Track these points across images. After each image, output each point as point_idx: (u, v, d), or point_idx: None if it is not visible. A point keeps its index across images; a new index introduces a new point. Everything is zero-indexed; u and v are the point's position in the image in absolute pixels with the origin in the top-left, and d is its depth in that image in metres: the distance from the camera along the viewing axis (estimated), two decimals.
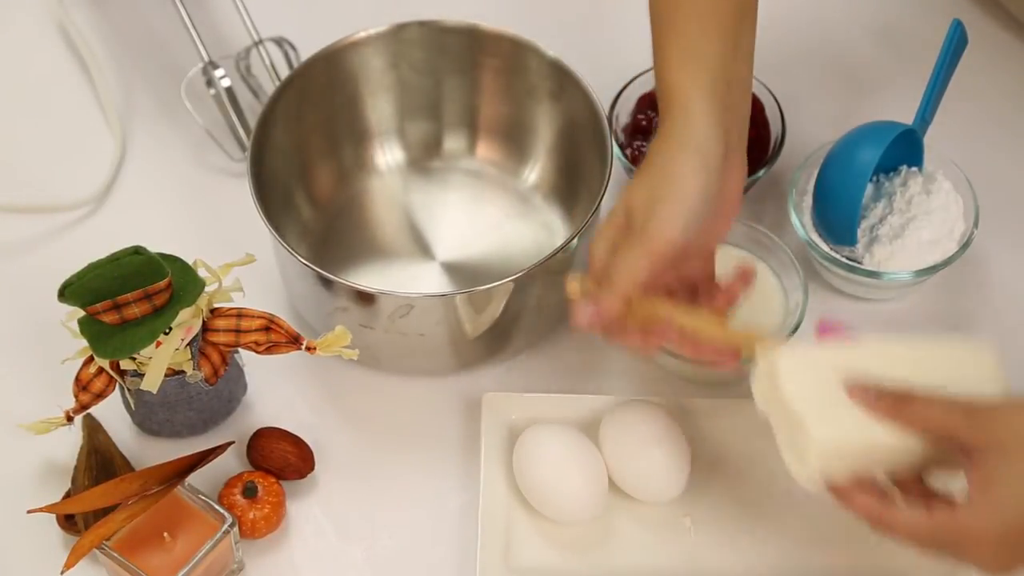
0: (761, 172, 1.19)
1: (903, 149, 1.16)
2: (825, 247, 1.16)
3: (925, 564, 1.06)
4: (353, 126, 1.24)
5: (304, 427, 1.12)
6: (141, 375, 1.05)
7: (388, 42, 1.20)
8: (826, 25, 1.35)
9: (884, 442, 0.93)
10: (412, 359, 1.15)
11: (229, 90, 1.25)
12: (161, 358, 1.03)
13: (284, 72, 1.25)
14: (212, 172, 1.27)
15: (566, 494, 1.06)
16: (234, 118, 1.25)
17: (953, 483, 0.95)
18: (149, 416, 1.11)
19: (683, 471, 1.08)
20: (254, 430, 1.11)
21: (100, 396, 1.07)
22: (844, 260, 1.15)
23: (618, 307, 0.97)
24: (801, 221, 1.16)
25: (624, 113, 1.23)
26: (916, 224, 1.16)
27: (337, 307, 1.11)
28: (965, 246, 1.15)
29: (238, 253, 1.06)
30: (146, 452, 1.12)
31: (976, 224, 1.15)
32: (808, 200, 1.17)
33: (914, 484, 0.95)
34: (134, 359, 1.04)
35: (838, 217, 1.15)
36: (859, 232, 1.15)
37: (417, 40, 1.21)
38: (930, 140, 1.17)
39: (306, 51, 1.22)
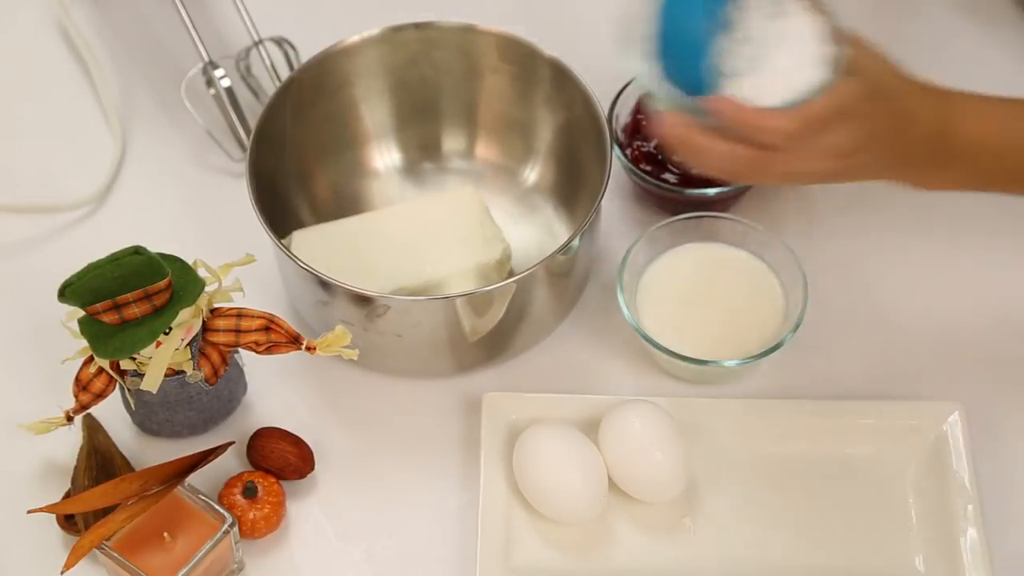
0: None
1: None
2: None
3: (926, 564, 1.06)
4: (352, 126, 1.24)
5: (304, 427, 1.12)
6: (141, 375, 1.05)
7: (387, 43, 1.20)
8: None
9: None
10: (412, 360, 1.15)
11: (229, 90, 1.25)
12: (161, 358, 1.03)
13: (284, 72, 1.26)
14: (212, 172, 1.27)
15: (566, 494, 1.06)
16: (234, 118, 1.25)
17: None
18: (149, 416, 1.11)
19: (683, 471, 1.08)
20: (254, 430, 1.11)
21: (100, 396, 1.07)
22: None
23: None
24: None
25: (624, 113, 1.23)
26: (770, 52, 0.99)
27: (336, 309, 1.11)
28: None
29: (238, 253, 1.06)
30: (146, 452, 1.12)
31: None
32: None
33: None
34: (134, 359, 1.04)
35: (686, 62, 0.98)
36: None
37: (416, 41, 1.21)
38: None
39: (306, 51, 1.22)
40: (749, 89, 0.96)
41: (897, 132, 0.98)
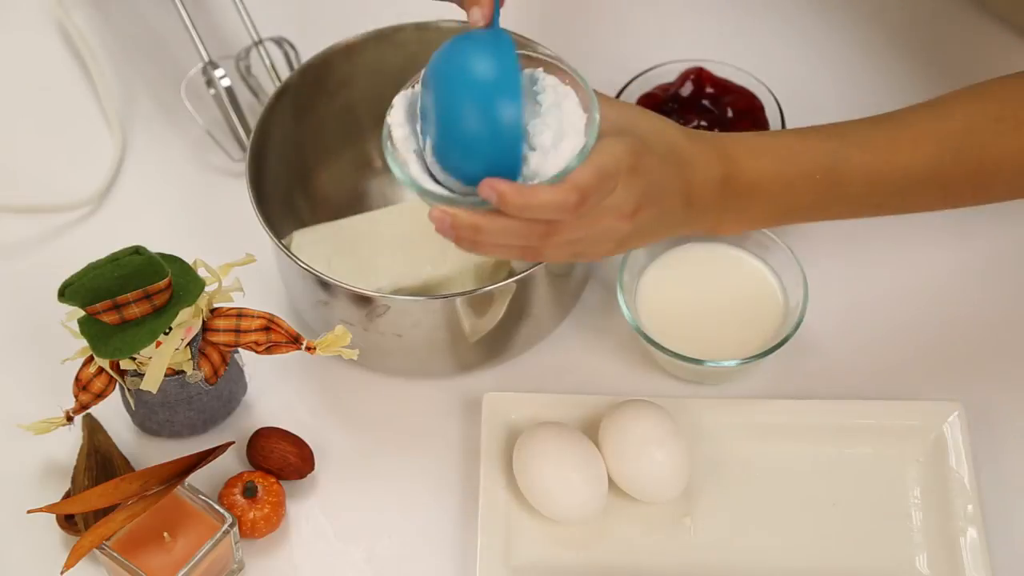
0: None
1: None
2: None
3: (926, 564, 1.06)
4: (352, 126, 1.24)
5: (304, 427, 1.12)
6: (141, 375, 1.05)
7: (387, 43, 1.20)
8: (828, 24, 1.35)
9: None
10: (412, 360, 1.15)
11: (229, 90, 1.25)
12: (161, 358, 1.03)
13: (284, 72, 1.26)
14: (212, 172, 1.27)
15: (566, 494, 1.06)
16: (234, 118, 1.25)
17: None
18: (149, 416, 1.11)
19: (683, 471, 1.07)
20: (254, 430, 1.11)
21: (100, 396, 1.07)
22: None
23: None
24: None
25: None
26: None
27: (336, 309, 1.11)
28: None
29: (238, 253, 1.06)
30: (146, 452, 1.12)
31: None
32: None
33: None
34: (134, 359, 1.04)
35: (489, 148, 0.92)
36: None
37: (416, 41, 1.20)
38: None
39: (306, 51, 1.22)
40: (525, 170, 0.92)
41: (679, 181, 0.97)
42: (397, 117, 0.95)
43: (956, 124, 1.00)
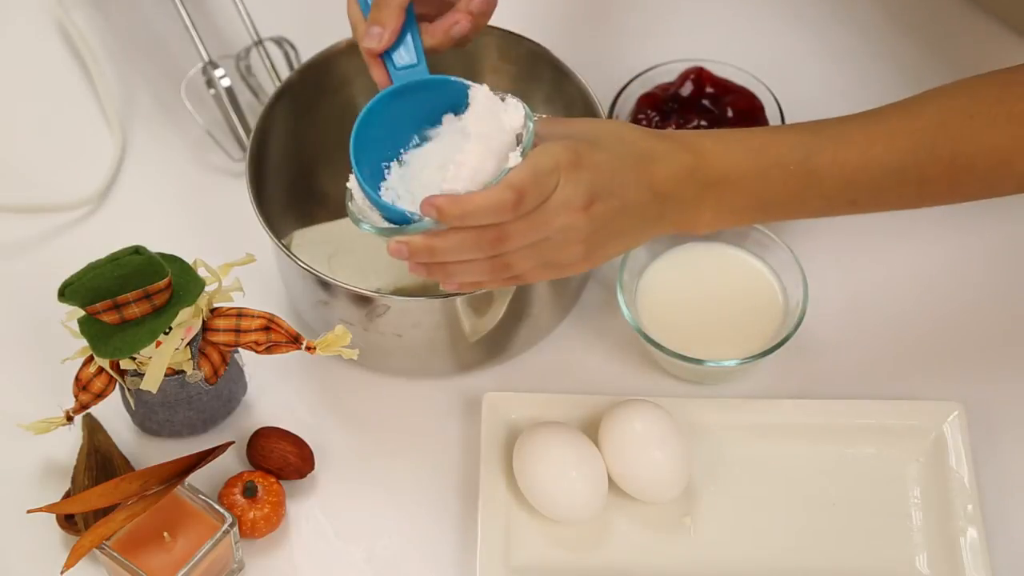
0: None
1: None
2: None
3: (926, 564, 1.06)
4: (352, 126, 1.23)
5: (304, 427, 1.12)
6: (141, 375, 1.05)
7: None
8: (828, 25, 1.35)
9: None
10: (412, 360, 1.15)
11: (229, 90, 1.25)
12: (161, 358, 1.03)
13: (284, 72, 1.26)
14: (212, 172, 1.27)
15: (566, 494, 1.06)
16: (234, 118, 1.25)
17: None
18: (149, 416, 1.11)
19: (683, 471, 1.08)
20: (254, 430, 1.11)
21: (100, 396, 1.07)
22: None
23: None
24: None
25: (624, 113, 1.23)
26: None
27: (336, 309, 1.11)
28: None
29: (238, 253, 1.06)
30: (146, 452, 1.12)
31: None
32: None
33: None
34: (134, 359, 1.04)
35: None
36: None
37: None
38: None
39: (306, 51, 1.22)
40: (459, 187, 0.94)
41: (639, 173, 0.97)
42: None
43: (929, 120, 1.00)
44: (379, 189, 0.98)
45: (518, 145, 0.96)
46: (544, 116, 0.99)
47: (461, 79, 1.00)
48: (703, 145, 0.99)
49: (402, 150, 1.00)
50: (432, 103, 1.01)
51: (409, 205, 0.97)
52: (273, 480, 1.09)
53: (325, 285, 1.09)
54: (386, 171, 1.00)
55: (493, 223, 0.93)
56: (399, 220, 0.97)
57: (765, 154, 1.00)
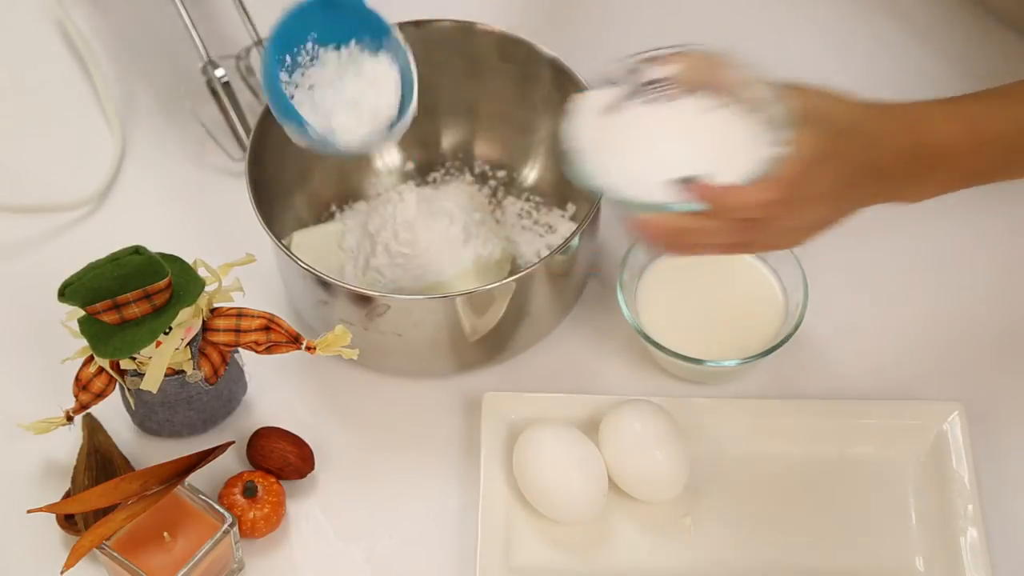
0: None
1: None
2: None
3: (926, 564, 1.06)
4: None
5: (304, 427, 1.12)
6: (141, 375, 1.05)
7: None
8: (828, 25, 1.35)
9: None
10: (413, 360, 1.15)
11: (229, 89, 1.25)
12: (161, 358, 1.03)
13: None
14: (212, 172, 1.27)
15: (566, 494, 1.06)
16: (234, 118, 1.25)
17: None
18: (149, 416, 1.11)
19: (683, 471, 1.08)
20: (254, 430, 1.11)
21: (100, 396, 1.07)
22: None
23: None
24: None
25: None
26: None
27: (336, 308, 1.11)
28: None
29: (238, 253, 1.07)
30: (146, 452, 1.12)
31: None
32: None
33: None
34: (134, 359, 1.04)
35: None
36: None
37: (416, 41, 1.20)
38: None
39: None
40: (719, 175, 0.96)
41: (871, 157, 0.98)
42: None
43: None
44: (279, 76, 1.04)
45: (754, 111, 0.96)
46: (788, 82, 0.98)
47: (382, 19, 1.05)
48: (921, 121, 1.00)
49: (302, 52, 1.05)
50: (349, 24, 1.05)
51: (310, 116, 1.03)
52: (273, 480, 1.09)
53: (325, 285, 1.09)
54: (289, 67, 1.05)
55: (759, 217, 0.95)
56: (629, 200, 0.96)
57: (986, 130, 1.01)
